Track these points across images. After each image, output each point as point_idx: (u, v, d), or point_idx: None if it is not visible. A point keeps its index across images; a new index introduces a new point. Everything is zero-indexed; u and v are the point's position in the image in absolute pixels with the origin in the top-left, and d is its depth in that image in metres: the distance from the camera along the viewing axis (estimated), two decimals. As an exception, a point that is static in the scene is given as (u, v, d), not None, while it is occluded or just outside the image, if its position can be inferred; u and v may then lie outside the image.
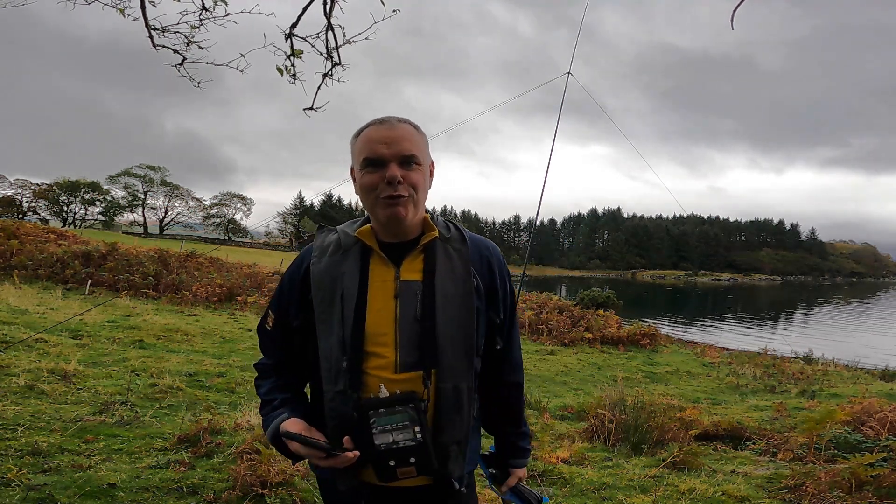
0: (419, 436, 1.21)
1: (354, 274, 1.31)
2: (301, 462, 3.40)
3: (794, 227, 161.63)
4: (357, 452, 1.21)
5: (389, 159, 1.29)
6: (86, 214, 73.59)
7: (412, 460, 1.22)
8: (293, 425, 1.28)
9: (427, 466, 1.23)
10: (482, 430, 1.54)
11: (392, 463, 1.21)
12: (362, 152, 1.32)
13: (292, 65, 3.23)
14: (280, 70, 3.18)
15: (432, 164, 1.41)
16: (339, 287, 1.30)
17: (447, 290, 1.31)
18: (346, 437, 1.23)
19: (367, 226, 1.37)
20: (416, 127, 1.37)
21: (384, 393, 1.23)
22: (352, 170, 1.39)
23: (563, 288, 58.32)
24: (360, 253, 1.34)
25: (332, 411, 1.28)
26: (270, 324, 1.43)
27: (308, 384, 1.46)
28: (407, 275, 1.32)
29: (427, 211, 1.40)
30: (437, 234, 1.36)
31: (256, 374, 1.46)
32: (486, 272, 1.40)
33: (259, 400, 1.43)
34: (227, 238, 78.40)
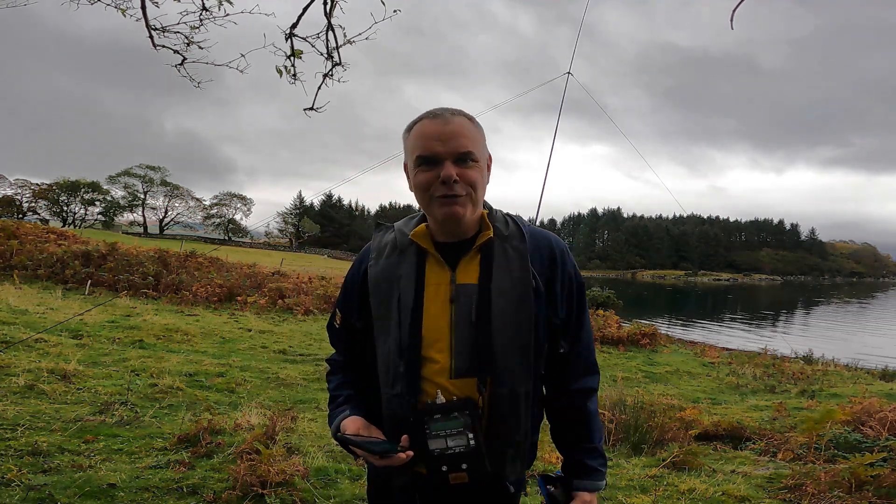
0: (472, 442, 1.20)
1: (411, 277, 1.29)
2: (301, 462, 3.41)
3: (794, 227, 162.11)
4: (411, 452, 1.21)
5: (444, 157, 1.22)
6: (86, 214, 73.64)
7: (464, 466, 1.22)
8: (352, 424, 1.28)
9: (479, 471, 1.22)
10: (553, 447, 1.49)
11: (444, 468, 1.22)
12: (416, 149, 1.26)
13: (292, 65, 3.22)
14: (279, 70, 3.18)
15: (489, 157, 1.34)
16: (395, 290, 1.29)
17: (503, 294, 1.26)
18: (404, 436, 1.23)
19: (423, 226, 1.33)
20: (471, 119, 1.30)
21: (441, 399, 1.23)
22: (405, 165, 1.34)
23: (563, 288, 58.09)
24: (416, 254, 1.31)
25: (389, 412, 1.28)
26: (338, 322, 1.43)
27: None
28: (463, 277, 1.28)
29: (486, 206, 1.35)
30: (493, 233, 1.30)
31: (328, 369, 1.48)
32: (547, 269, 1.32)
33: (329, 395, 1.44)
34: (227, 238, 78.35)
